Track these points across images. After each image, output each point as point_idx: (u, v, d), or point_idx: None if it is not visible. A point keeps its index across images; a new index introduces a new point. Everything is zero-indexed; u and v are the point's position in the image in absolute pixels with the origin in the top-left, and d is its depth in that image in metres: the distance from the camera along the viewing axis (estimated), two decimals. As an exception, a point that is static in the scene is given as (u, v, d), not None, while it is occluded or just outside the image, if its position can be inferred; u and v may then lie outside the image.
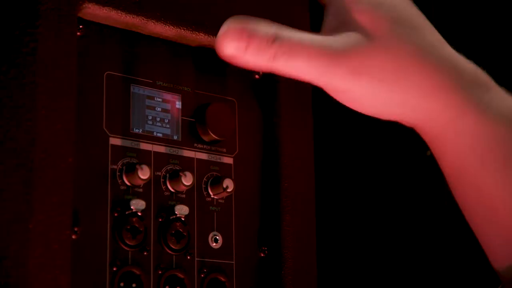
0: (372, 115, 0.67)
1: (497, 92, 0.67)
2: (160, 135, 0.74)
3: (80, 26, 0.71)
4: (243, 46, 0.60)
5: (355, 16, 0.65)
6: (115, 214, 0.70)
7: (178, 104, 0.76)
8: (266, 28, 0.61)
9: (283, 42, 0.61)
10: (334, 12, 0.66)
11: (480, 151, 0.65)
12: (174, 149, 0.75)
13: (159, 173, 0.74)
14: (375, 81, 0.63)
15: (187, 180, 0.73)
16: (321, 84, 0.64)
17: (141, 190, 0.72)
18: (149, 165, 0.72)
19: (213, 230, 0.76)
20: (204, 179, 0.76)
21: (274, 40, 0.61)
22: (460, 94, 0.65)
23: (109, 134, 0.72)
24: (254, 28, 0.60)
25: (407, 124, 0.67)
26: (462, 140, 0.66)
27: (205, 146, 0.77)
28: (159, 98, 0.75)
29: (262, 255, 0.78)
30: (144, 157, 0.73)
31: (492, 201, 0.66)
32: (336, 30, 0.64)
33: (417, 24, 0.66)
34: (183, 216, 0.73)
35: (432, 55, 0.65)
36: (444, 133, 0.67)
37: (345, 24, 0.65)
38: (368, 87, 0.64)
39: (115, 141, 0.72)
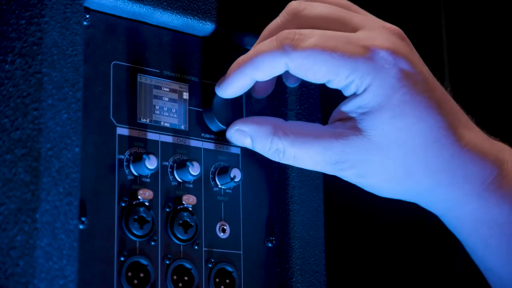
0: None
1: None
2: (167, 125, 0.74)
3: (87, 16, 0.71)
4: (248, 144, 0.73)
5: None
6: (123, 204, 0.70)
7: (186, 94, 0.76)
8: (267, 128, 0.71)
9: (283, 139, 0.70)
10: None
11: (483, 235, 0.64)
12: (181, 139, 0.75)
13: (167, 163, 0.73)
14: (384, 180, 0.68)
15: (195, 170, 0.73)
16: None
17: (148, 180, 0.72)
18: (156, 155, 0.71)
19: (220, 220, 0.76)
20: (212, 169, 0.76)
21: (273, 137, 0.70)
22: (461, 187, 0.64)
23: (116, 124, 0.71)
24: (256, 130, 0.72)
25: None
26: (462, 224, 0.65)
27: (212, 136, 0.77)
28: (166, 88, 0.75)
29: (270, 245, 0.78)
30: (151, 147, 0.73)
31: (501, 280, 0.64)
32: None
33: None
34: (191, 206, 0.73)
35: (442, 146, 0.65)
36: (444, 216, 0.66)
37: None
38: (380, 184, 0.70)
39: (122, 131, 0.72)
